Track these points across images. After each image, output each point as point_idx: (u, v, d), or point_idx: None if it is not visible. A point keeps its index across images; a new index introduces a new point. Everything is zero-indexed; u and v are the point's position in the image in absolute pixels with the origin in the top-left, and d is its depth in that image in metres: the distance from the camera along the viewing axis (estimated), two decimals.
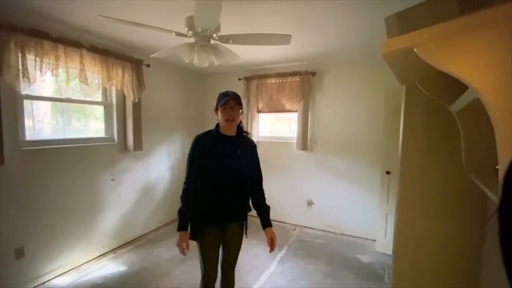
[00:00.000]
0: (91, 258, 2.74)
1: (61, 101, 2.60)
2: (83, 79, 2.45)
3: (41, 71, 2.14)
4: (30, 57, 2.08)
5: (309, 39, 2.61)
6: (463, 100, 1.01)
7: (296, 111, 3.64)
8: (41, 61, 2.13)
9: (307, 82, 3.49)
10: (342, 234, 3.49)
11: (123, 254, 2.89)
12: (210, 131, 1.60)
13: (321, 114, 3.60)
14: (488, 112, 0.60)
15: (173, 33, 1.76)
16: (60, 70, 2.30)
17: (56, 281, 2.38)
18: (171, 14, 2.03)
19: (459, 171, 1.38)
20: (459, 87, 0.91)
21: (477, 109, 0.84)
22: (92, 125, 2.95)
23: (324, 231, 3.59)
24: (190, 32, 1.75)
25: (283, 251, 3.00)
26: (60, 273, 2.46)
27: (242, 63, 2.65)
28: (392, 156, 2.72)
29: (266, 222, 1.64)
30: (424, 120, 1.62)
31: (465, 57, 0.64)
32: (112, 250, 2.95)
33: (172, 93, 3.81)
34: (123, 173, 3.06)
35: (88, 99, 2.67)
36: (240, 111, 1.55)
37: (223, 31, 1.84)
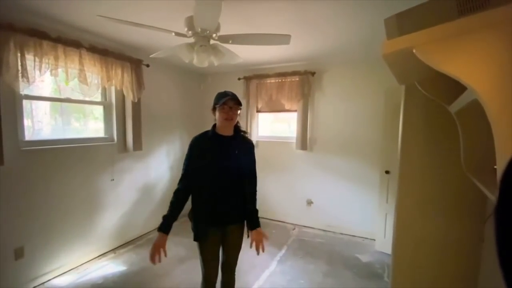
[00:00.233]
0: (91, 258, 2.74)
1: (61, 101, 2.60)
2: (83, 79, 2.45)
3: (40, 71, 2.14)
4: (29, 57, 2.07)
5: (308, 39, 2.61)
6: (462, 101, 1.02)
7: (295, 110, 3.65)
8: (40, 61, 2.13)
9: (306, 82, 3.50)
10: (342, 234, 3.49)
11: (123, 254, 2.89)
12: (207, 132, 1.59)
13: (321, 114, 3.61)
14: (486, 112, 0.60)
15: (173, 33, 1.76)
16: (60, 70, 2.29)
17: (56, 281, 2.38)
18: (171, 14, 2.03)
19: (458, 171, 1.38)
20: (458, 87, 0.91)
21: (476, 109, 0.85)
22: (91, 125, 2.95)
23: (324, 230, 3.60)
24: (190, 32, 1.75)
25: (283, 251, 3.00)
26: (60, 273, 2.47)
27: (241, 63, 2.65)
28: (392, 156, 2.73)
29: (254, 223, 1.60)
30: (423, 120, 1.63)
31: (463, 58, 0.65)
32: (112, 250, 2.95)
33: (172, 93, 3.81)
34: (122, 173, 3.06)
35: (87, 99, 2.66)
36: (239, 112, 1.55)
37: (222, 31, 1.84)
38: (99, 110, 2.94)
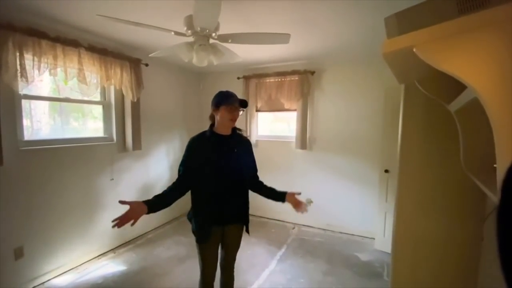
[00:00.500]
0: (90, 258, 2.74)
1: (60, 101, 2.59)
2: (82, 79, 2.44)
3: (39, 71, 2.13)
4: (28, 57, 2.07)
5: (308, 38, 2.61)
6: (462, 100, 1.02)
7: (295, 110, 3.64)
8: (39, 61, 2.12)
9: (306, 81, 3.50)
10: (341, 233, 3.50)
11: (123, 253, 2.89)
12: (204, 132, 1.58)
13: (320, 113, 3.61)
14: (486, 111, 0.60)
15: (172, 33, 1.76)
16: (58, 69, 2.29)
17: (56, 281, 2.38)
18: (170, 13, 2.02)
19: (457, 169, 1.39)
20: (457, 86, 0.91)
21: (476, 108, 0.85)
22: (90, 124, 2.95)
23: (323, 229, 3.60)
24: (189, 31, 1.75)
25: (283, 250, 3.01)
26: (60, 273, 2.46)
27: (241, 62, 2.65)
28: (391, 155, 2.73)
29: (281, 193, 1.65)
30: (423, 119, 1.63)
31: (464, 57, 0.65)
32: (112, 249, 2.95)
33: (171, 92, 3.81)
34: (122, 172, 3.05)
35: (86, 98, 2.65)
36: (241, 113, 1.57)
37: (222, 30, 1.84)
38: (98, 109, 2.94)
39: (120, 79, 2.80)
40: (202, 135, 1.57)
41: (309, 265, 2.71)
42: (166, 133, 3.74)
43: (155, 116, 3.50)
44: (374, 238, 3.15)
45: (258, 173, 1.77)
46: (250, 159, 1.68)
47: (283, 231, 3.55)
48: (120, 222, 1.27)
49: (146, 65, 3.10)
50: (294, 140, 3.68)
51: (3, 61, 1.92)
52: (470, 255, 1.53)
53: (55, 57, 2.22)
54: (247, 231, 1.68)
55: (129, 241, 3.15)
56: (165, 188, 1.49)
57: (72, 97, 2.60)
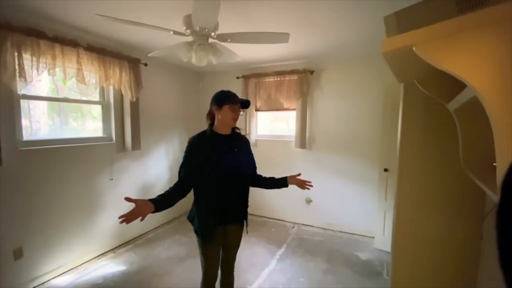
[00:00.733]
0: (90, 258, 2.74)
1: (58, 101, 2.58)
2: (80, 79, 2.43)
3: (37, 71, 2.13)
4: (26, 57, 2.06)
5: (307, 38, 2.61)
6: (461, 98, 1.02)
7: (294, 109, 3.64)
8: (38, 61, 2.12)
9: (305, 80, 3.50)
10: (341, 232, 3.51)
11: (123, 253, 2.89)
12: (204, 131, 1.56)
13: (319, 112, 3.61)
14: (486, 110, 0.60)
15: (171, 32, 1.76)
16: (57, 69, 2.28)
17: (55, 281, 2.37)
18: (169, 13, 2.02)
19: (456, 168, 1.39)
20: (456, 85, 0.91)
21: (475, 107, 0.85)
22: (89, 124, 2.94)
23: (323, 228, 3.61)
24: (188, 30, 1.75)
25: (282, 249, 3.01)
26: (60, 273, 2.46)
27: (240, 61, 2.65)
28: (390, 154, 2.74)
29: (283, 179, 1.67)
30: (422, 118, 1.63)
31: (463, 56, 0.65)
32: (112, 249, 2.95)
33: (170, 92, 3.80)
34: (121, 172, 3.05)
35: (85, 98, 2.65)
36: (241, 113, 1.57)
37: (221, 30, 1.83)
38: (97, 109, 2.93)
39: (119, 79, 2.79)
40: (202, 135, 1.55)
41: (309, 264, 2.72)
42: (165, 132, 3.73)
43: (154, 116, 3.49)
44: (373, 237, 3.16)
45: (257, 172, 1.77)
46: (249, 158, 1.68)
47: (283, 230, 3.55)
48: (127, 219, 1.25)
49: (145, 64, 3.10)
50: (293, 139, 3.68)
51: (1, 61, 1.91)
52: (470, 253, 1.54)
53: (53, 57, 2.22)
54: (246, 230, 1.69)
55: (129, 241, 3.15)
56: (166, 188, 1.48)
57: (71, 97, 2.59)
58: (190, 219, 1.60)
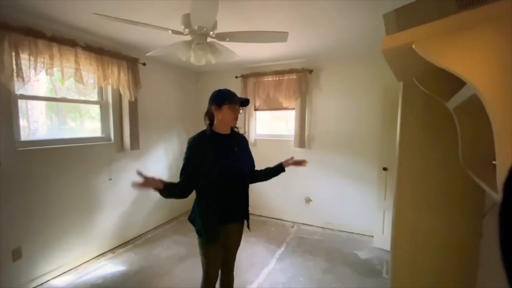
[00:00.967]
0: (90, 258, 2.73)
1: (56, 101, 2.57)
2: (79, 78, 2.42)
3: (35, 71, 2.11)
4: (24, 57, 2.05)
5: (306, 37, 2.60)
6: (460, 96, 1.02)
7: (293, 108, 3.64)
8: (35, 61, 2.11)
9: (304, 80, 3.49)
10: (340, 231, 3.51)
11: (122, 253, 2.89)
12: (204, 131, 1.55)
13: (318, 112, 3.61)
14: (486, 108, 0.60)
15: (170, 31, 1.75)
16: (55, 69, 2.27)
17: (55, 282, 2.37)
18: (168, 12, 2.01)
19: (456, 166, 1.39)
20: (456, 83, 0.91)
21: (474, 105, 0.85)
22: (88, 124, 2.93)
23: (322, 228, 3.61)
24: (187, 30, 1.74)
25: (282, 248, 3.01)
26: (59, 274, 2.45)
27: (239, 61, 2.64)
28: (389, 153, 2.74)
29: (278, 166, 1.75)
30: (421, 116, 1.63)
31: (463, 53, 0.64)
32: (111, 249, 2.94)
33: (169, 91, 3.79)
34: (120, 172, 3.04)
35: (83, 98, 2.64)
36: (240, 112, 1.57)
37: (219, 29, 1.83)
38: (95, 109, 2.92)
39: (117, 78, 2.78)
40: (202, 135, 1.53)
41: (308, 263, 2.72)
42: (164, 132, 3.72)
43: (153, 115, 3.48)
44: (373, 236, 3.16)
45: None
46: (249, 157, 1.68)
47: (282, 229, 3.55)
48: (141, 185, 1.43)
49: (144, 64, 3.09)
50: (292, 138, 3.67)
51: None
52: (469, 251, 1.54)
53: (51, 57, 2.21)
54: (248, 227, 1.68)
55: (128, 241, 3.14)
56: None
57: (69, 97, 2.58)
58: (191, 219, 1.60)
